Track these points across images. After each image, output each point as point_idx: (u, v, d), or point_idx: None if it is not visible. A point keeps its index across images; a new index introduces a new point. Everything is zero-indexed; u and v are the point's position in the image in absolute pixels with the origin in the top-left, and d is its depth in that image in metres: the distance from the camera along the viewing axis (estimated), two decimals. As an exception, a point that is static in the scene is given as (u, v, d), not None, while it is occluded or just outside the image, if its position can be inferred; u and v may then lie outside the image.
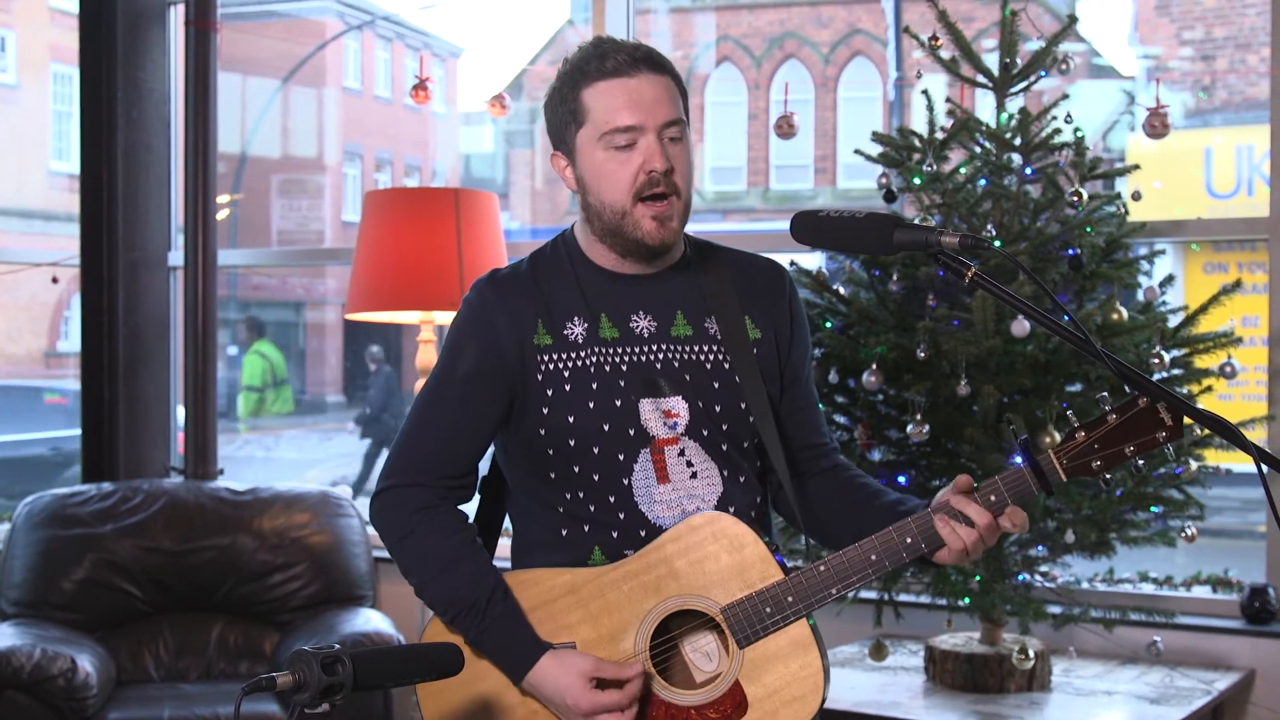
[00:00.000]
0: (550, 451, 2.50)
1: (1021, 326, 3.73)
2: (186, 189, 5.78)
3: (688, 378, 2.51)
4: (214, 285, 5.84)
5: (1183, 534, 4.02)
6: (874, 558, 2.39)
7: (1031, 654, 3.96)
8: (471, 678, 2.48)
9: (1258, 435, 4.42)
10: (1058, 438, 3.72)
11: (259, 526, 5.23)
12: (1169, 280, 4.21)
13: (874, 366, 3.93)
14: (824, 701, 2.42)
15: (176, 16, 6.08)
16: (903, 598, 4.36)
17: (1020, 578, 4.09)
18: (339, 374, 23.47)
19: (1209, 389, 4.05)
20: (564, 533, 2.52)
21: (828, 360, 4.13)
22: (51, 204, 17.52)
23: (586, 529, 2.50)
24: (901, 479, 4.03)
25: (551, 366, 2.49)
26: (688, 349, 2.53)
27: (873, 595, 4.24)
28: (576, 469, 2.49)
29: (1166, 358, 3.86)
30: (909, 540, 2.39)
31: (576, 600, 2.46)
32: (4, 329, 18.82)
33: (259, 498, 5.31)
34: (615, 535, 2.48)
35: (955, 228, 4.09)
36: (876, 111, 17.33)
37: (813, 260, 4.32)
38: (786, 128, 4.49)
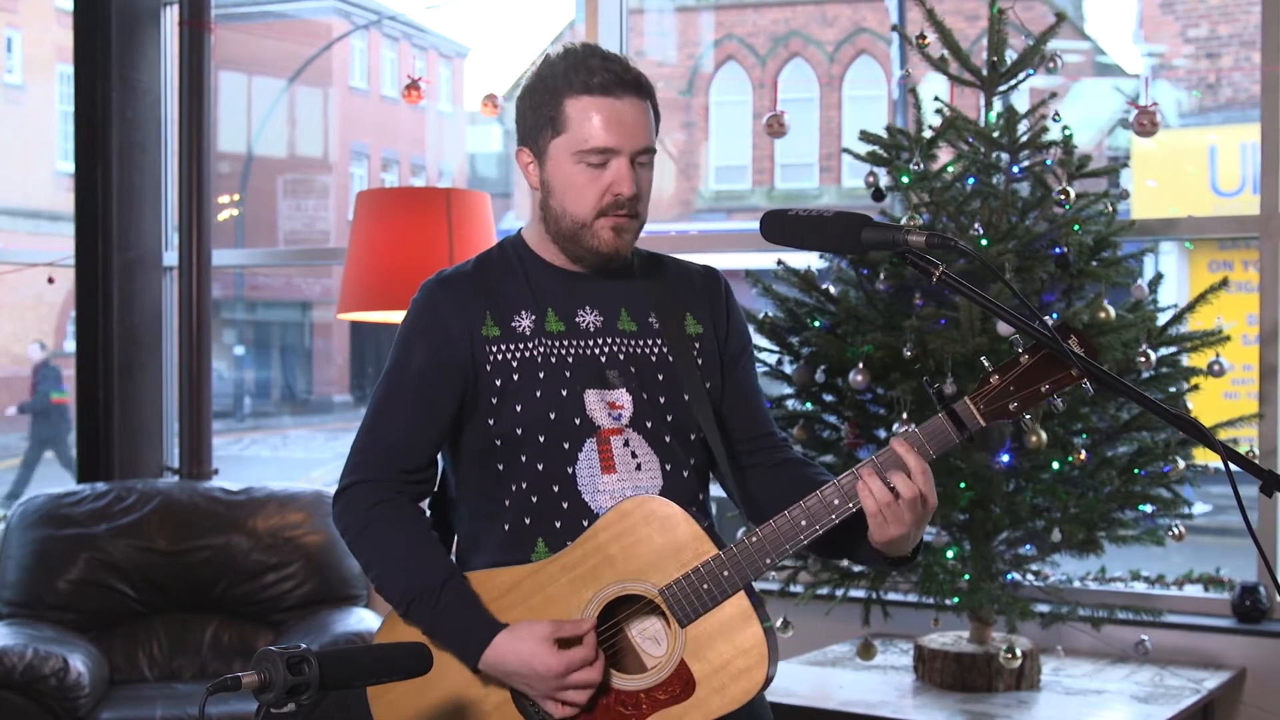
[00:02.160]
0: (498, 442, 2.51)
1: (1007, 326, 3.73)
2: (181, 189, 5.79)
3: (633, 370, 2.55)
4: (208, 285, 5.84)
5: (1170, 533, 4.01)
6: (804, 522, 2.38)
7: (1019, 653, 3.95)
8: (424, 685, 2.48)
9: (1249, 434, 4.42)
10: (1044, 437, 3.73)
11: (253, 526, 5.23)
12: (1159, 279, 4.21)
13: (860, 365, 3.93)
14: (772, 672, 2.42)
15: (171, 17, 6.08)
16: (891, 597, 4.36)
17: (1009, 577, 4.09)
18: (346, 373, 23.51)
19: (1196, 387, 4.05)
20: (506, 528, 2.53)
21: (815, 359, 4.13)
22: (57, 204, 17.56)
23: (529, 522, 2.51)
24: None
25: (500, 357, 2.52)
26: (632, 342, 2.57)
27: (861, 594, 4.24)
28: (523, 458, 2.50)
29: (1153, 356, 3.85)
30: (835, 501, 2.37)
31: (517, 597, 2.47)
32: (10, 330, 18.88)
33: (253, 498, 5.31)
34: (559, 526, 2.49)
35: (943, 226, 4.08)
36: (881, 110, 17.30)
37: (802, 260, 4.31)
38: (777, 126, 4.48)
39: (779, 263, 4.24)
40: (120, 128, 5.88)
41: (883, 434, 4.08)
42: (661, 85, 19.61)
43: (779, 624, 4.10)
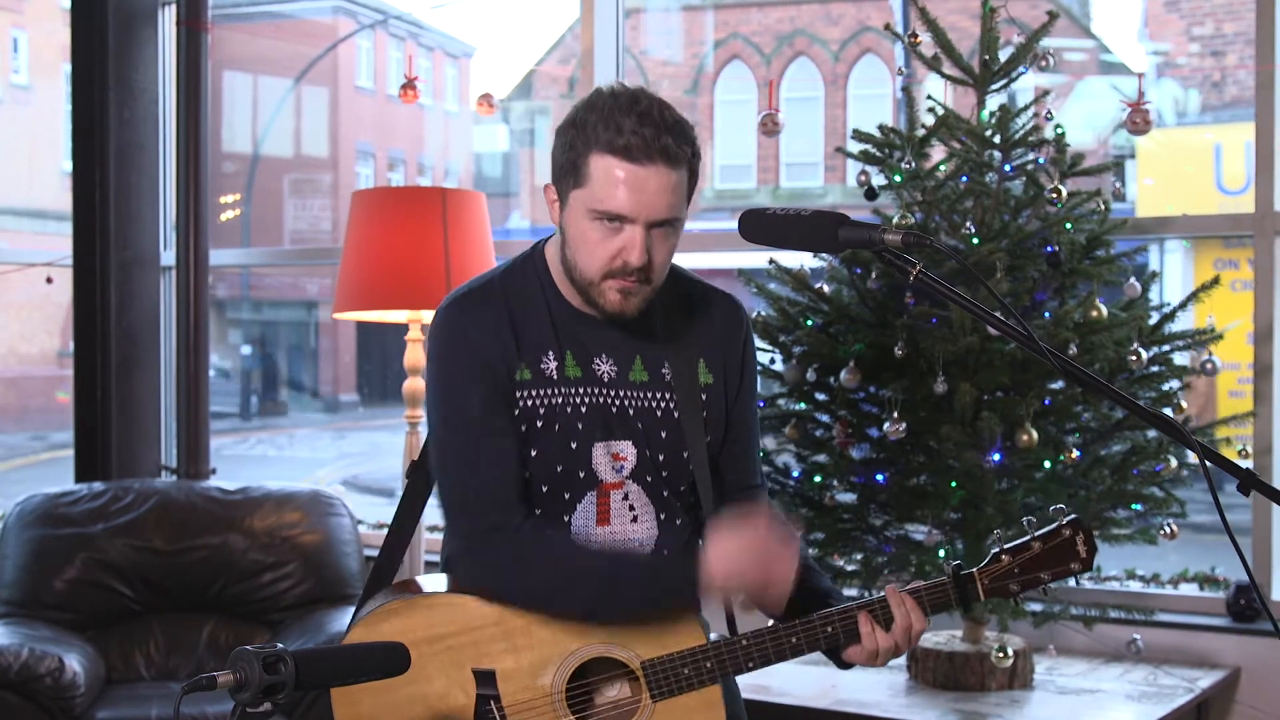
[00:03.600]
0: None
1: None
2: (179, 189, 5.80)
3: (640, 425, 2.56)
4: (205, 285, 5.85)
5: (1162, 531, 4.01)
6: (794, 640, 2.48)
7: (1010, 652, 3.95)
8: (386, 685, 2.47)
9: (1244, 432, 4.41)
10: (1034, 435, 3.72)
11: (250, 526, 5.23)
12: (1152, 277, 4.20)
13: (851, 365, 3.92)
14: None
15: (168, 17, 6.09)
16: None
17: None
18: (352, 372, 23.52)
19: (1187, 385, 4.04)
20: None
21: (807, 358, 4.13)
22: (64, 204, 17.58)
23: None
24: (879, 477, 4.03)
25: (528, 403, 2.52)
26: (642, 395, 2.57)
27: (853, 594, 4.23)
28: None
29: (1144, 355, 3.84)
30: (830, 630, 2.49)
31: (501, 631, 2.47)
32: (18, 330, 18.89)
33: (250, 497, 5.32)
34: None
35: (936, 225, 4.08)
36: (887, 109, 17.27)
37: (796, 259, 4.31)
38: (771, 125, 4.48)
39: (770, 261, 4.24)
40: (118, 128, 5.89)
41: (875, 433, 4.07)
42: (666, 85, 19.66)
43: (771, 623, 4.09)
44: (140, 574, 5.12)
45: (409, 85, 5.11)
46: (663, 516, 2.59)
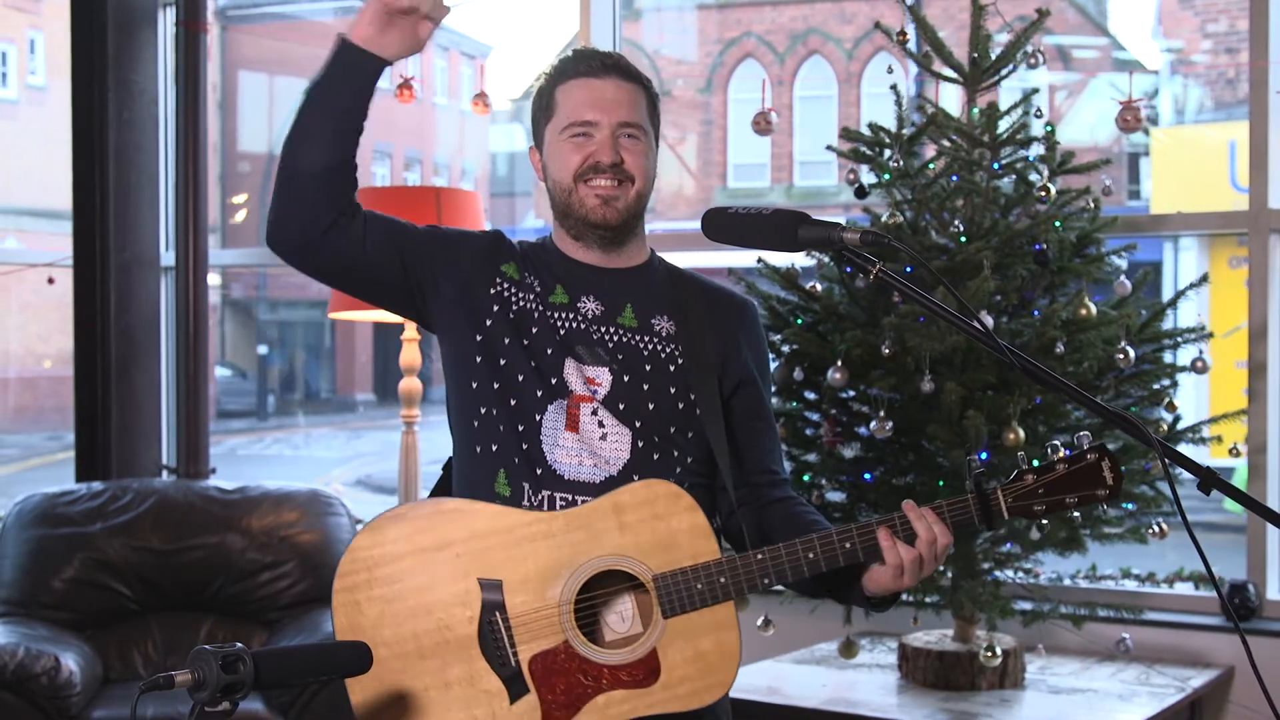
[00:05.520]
0: (479, 359, 2.61)
1: (984, 322, 3.70)
2: (177, 189, 5.82)
3: (620, 356, 2.62)
4: (204, 284, 5.86)
5: (1152, 530, 4.00)
6: (811, 556, 2.43)
7: (999, 652, 3.94)
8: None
9: (1240, 431, 4.39)
10: (1021, 434, 3.71)
11: (248, 525, 5.24)
12: (1145, 277, 4.18)
13: (839, 363, 3.92)
14: (733, 681, 2.46)
15: (168, 18, 6.11)
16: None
17: (995, 574, 4.08)
18: (369, 372, 23.56)
19: (1176, 384, 4.03)
20: (477, 450, 2.61)
21: (796, 357, 4.12)
22: (77, 205, 17.62)
23: (495, 449, 2.58)
24: (866, 476, 4.03)
25: (506, 293, 2.64)
26: (627, 335, 2.65)
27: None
28: (496, 385, 2.60)
29: (1132, 353, 3.83)
30: (848, 545, 2.43)
31: (512, 540, 2.47)
32: (35, 330, 18.95)
33: (248, 497, 5.33)
34: (516, 463, 2.56)
35: (926, 223, 4.08)
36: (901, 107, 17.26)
37: (787, 257, 4.30)
38: (764, 124, 4.48)
39: (759, 260, 4.23)
40: (117, 128, 5.90)
41: (864, 431, 4.07)
42: (680, 84, 19.67)
43: (760, 622, 4.09)
44: (138, 573, 5.13)
45: (405, 85, 5.12)
46: (640, 444, 2.59)
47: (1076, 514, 2.51)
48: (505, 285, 2.65)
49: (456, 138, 25.48)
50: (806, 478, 4.13)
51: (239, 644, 2.05)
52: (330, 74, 2.51)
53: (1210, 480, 2.05)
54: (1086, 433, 2.45)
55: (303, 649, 2.18)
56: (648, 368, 2.62)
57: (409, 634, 2.46)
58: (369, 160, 23.53)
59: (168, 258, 6.13)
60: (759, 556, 2.43)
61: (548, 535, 2.46)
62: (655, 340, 2.65)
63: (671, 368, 2.63)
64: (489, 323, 2.62)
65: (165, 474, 6.02)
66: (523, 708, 2.43)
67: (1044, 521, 3.75)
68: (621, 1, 5.59)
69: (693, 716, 2.48)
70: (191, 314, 5.81)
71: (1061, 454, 2.44)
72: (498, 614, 2.44)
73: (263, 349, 23.17)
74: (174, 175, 5.96)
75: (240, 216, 20.42)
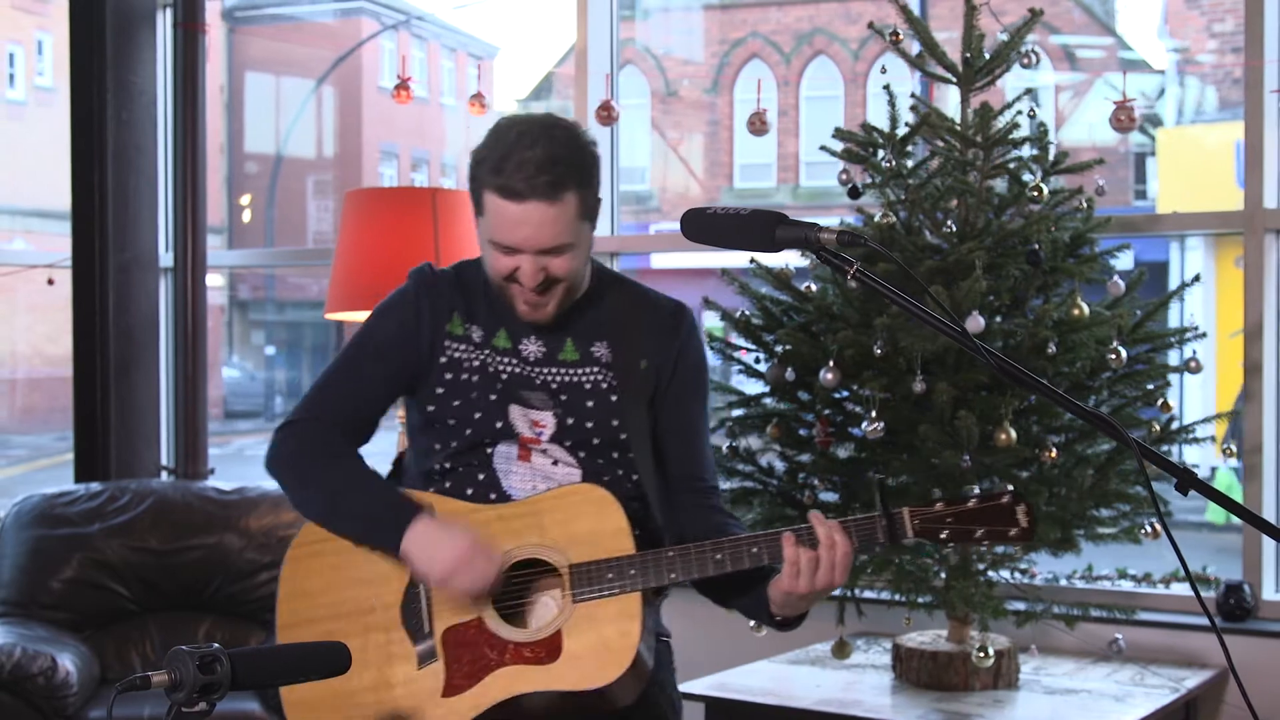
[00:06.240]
0: (435, 425, 2.75)
1: (976, 323, 3.71)
2: (176, 190, 5.82)
3: (564, 397, 2.74)
4: (204, 285, 5.87)
5: (1144, 531, 3.99)
6: (719, 557, 2.60)
7: (992, 652, 3.93)
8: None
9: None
10: (1013, 434, 3.71)
11: (246, 525, 5.25)
12: (1141, 276, 4.17)
13: (830, 364, 3.91)
14: (630, 670, 2.57)
15: (166, 19, 6.12)
16: (865, 594, 4.35)
17: (989, 574, 4.07)
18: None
19: (1168, 384, 4.02)
20: (433, 488, 2.76)
21: (788, 357, 4.11)
22: (86, 206, 17.62)
23: (448, 486, 2.74)
24: (861, 476, 4.02)
25: (455, 355, 2.76)
26: (570, 372, 2.76)
27: (836, 593, 4.22)
28: (454, 443, 2.73)
29: (1124, 354, 3.82)
30: (755, 550, 2.60)
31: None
32: (43, 331, 18.99)
33: (246, 497, 5.33)
34: (470, 493, 2.72)
35: (920, 223, 4.07)
36: (905, 107, 17.26)
37: (781, 257, 4.30)
38: (759, 124, 4.48)
39: (751, 260, 4.23)
40: (116, 129, 5.91)
41: (857, 432, 4.06)
42: (686, 84, 19.67)
43: (754, 622, 4.08)
44: (136, 574, 5.14)
45: (403, 85, 5.13)
46: (588, 471, 2.74)
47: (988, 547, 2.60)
48: (453, 347, 2.76)
49: (464, 138, 25.50)
50: (800, 478, 4.13)
51: (216, 644, 2.05)
52: (367, 539, 2.68)
53: (1188, 481, 2.04)
54: (1010, 485, 2.64)
55: (280, 649, 2.19)
56: (589, 404, 2.74)
57: (346, 599, 2.69)
58: (376, 161, 23.56)
59: (167, 259, 6.14)
60: (669, 554, 2.60)
61: (483, 525, 2.64)
62: (595, 370, 2.77)
63: (613, 397, 2.75)
64: (440, 390, 2.74)
65: (164, 474, 6.03)
66: (428, 672, 2.63)
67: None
68: (620, 3, 5.60)
69: (641, 708, 2.68)
70: (190, 315, 5.82)
71: (975, 493, 2.63)
72: (422, 588, 2.65)
73: (270, 350, 23.21)
74: (173, 176, 5.97)
75: (246, 216, 20.45)
